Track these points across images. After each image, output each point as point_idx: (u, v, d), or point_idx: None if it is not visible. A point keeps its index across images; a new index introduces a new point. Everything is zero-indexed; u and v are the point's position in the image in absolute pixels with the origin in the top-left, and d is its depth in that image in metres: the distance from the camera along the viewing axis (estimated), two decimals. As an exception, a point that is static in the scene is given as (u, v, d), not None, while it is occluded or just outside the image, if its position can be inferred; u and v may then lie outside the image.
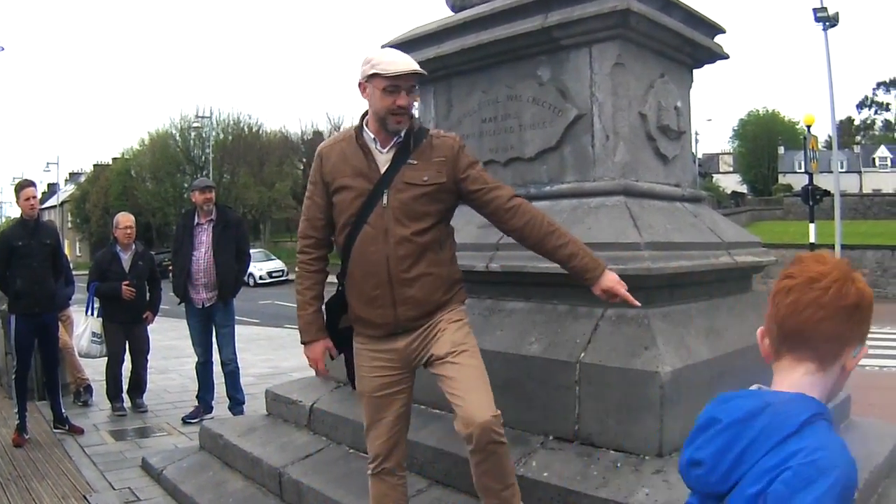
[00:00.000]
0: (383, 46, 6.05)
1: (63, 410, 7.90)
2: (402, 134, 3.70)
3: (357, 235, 3.70)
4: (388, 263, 3.63)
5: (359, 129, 3.78)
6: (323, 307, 3.96)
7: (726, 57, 5.81)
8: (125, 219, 8.84)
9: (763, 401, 1.75)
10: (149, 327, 8.97)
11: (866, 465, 4.80)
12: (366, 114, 3.78)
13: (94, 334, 8.46)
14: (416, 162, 3.68)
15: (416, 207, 3.66)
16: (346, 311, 3.89)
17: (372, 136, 3.73)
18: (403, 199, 3.64)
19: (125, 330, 8.66)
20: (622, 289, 3.64)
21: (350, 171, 3.72)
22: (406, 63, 3.63)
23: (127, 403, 8.75)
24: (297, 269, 4.01)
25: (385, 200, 3.65)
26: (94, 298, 8.54)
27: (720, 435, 1.75)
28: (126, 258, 8.67)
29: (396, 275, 3.64)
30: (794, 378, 1.80)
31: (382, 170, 3.68)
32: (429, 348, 3.73)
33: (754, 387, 1.86)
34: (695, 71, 5.76)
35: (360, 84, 3.72)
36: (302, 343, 3.99)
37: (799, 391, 1.76)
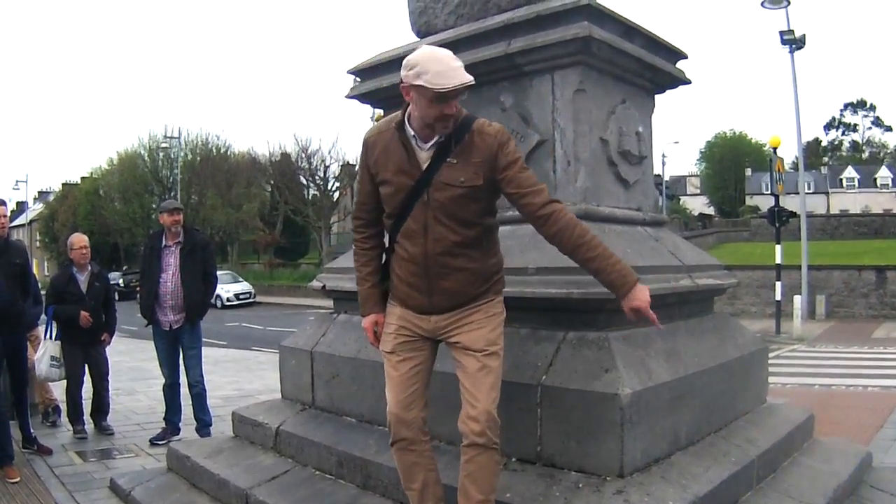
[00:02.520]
0: (349, 72, 6.13)
1: (32, 431, 7.84)
2: None
3: (401, 227, 3.78)
4: (426, 258, 3.72)
5: (401, 123, 3.75)
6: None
7: (688, 82, 5.90)
8: (79, 239, 8.77)
9: None
10: (118, 349, 8.95)
11: (830, 483, 4.89)
12: (408, 105, 3.72)
13: (53, 358, 8.31)
14: (455, 161, 3.66)
15: (455, 207, 3.68)
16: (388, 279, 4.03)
17: (412, 132, 3.72)
18: (442, 199, 3.66)
19: (84, 352, 8.59)
20: (645, 306, 3.65)
21: (392, 167, 3.75)
22: (454, 76, 3.51)
23: (91, 426, 8.68)
24: (353, 246, 4.18)
25: (426, 198, 3.68)
26: (53, 322, 8.49)
27: None
28: (83, 279, 8.61)
29: (434, 269, 3.72)
30: None
31: (423, 167, 3.70)
32: (460, 332, 3.79)
33: None
34: (657, 95, 5.84)
35: (402, 86, 3.66)
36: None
37: None
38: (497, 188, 3.72)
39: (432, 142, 3.70)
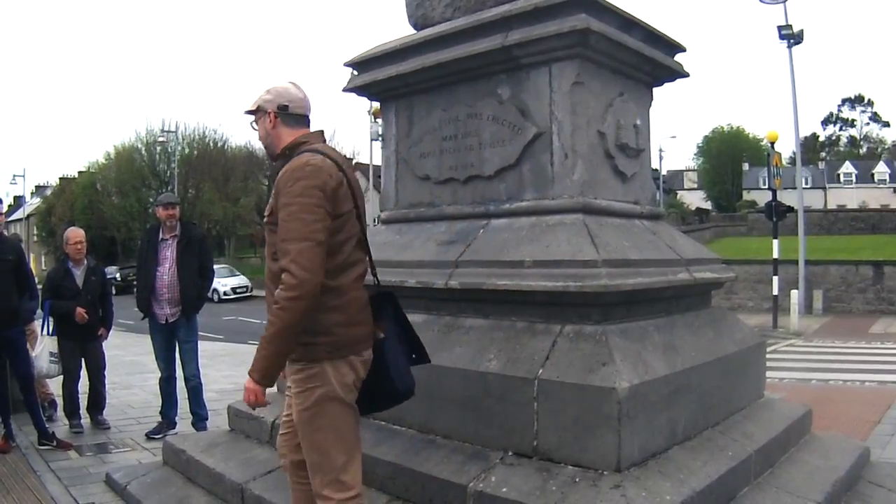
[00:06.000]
0: (346, 64, 6.11)
1: (46, 426, 7.82)
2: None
3: None
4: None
5: None
6: None
7: (686, 75, 5.88)
8: (75, 234, 8.70)
9: None
10: (114, 343, 8.89)
11: (828, 478, 4.87)
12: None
13: (52, 354, 8.23)
14: (274, 190, 3.59)
15: (270, 236, 3.60)
16: None
17: None
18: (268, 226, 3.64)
19: (80, 347, 8.56)
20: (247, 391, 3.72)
21: None
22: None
23: (87, 420, 8.65)
24: None
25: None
26: (49, 317, 8.43)
27: None
28: (79, 273, 8.56)
29: (269, 301, 3.59)
30: None
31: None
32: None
33: None
34: (655, 89, 5.82)
35: None
36: None
37: None
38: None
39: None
